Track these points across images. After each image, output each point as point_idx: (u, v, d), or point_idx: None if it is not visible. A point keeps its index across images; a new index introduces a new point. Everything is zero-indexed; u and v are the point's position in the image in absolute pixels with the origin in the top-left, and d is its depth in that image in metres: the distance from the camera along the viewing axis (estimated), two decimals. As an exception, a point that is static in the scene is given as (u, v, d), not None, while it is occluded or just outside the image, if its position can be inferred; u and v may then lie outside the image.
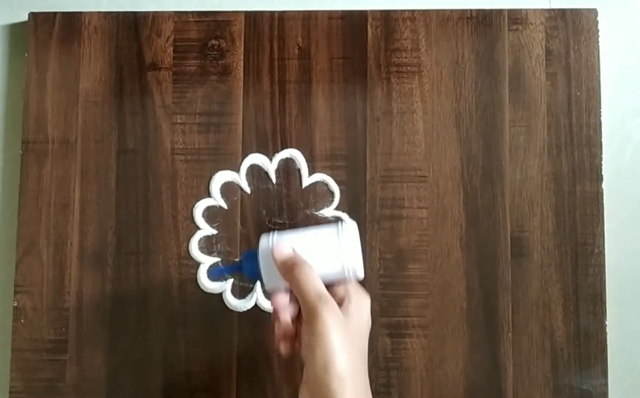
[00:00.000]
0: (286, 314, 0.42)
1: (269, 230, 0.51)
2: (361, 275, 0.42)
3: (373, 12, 0.53)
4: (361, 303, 0.41)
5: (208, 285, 0.51)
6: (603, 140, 0.51)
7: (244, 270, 0.44)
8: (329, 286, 0.41)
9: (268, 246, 0.42)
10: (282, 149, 0.52)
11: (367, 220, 0.51)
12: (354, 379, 0.38)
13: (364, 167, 0.52)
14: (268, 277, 0.42)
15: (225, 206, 0.52)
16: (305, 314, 0.39)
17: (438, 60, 0.52)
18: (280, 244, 0.42)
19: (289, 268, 0.41)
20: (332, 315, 0.38)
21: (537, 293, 0.50)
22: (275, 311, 0.42)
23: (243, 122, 0.52)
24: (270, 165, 0.52)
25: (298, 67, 0.53)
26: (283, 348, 0.42)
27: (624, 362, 0.52)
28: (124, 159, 0.52)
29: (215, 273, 0.50)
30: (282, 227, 0.51)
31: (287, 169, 0.52)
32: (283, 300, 0.42)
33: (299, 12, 0.53)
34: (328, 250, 0.41)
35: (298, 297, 0.40)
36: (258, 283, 0.51)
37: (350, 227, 0.42)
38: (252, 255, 0.43)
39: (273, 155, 0.52)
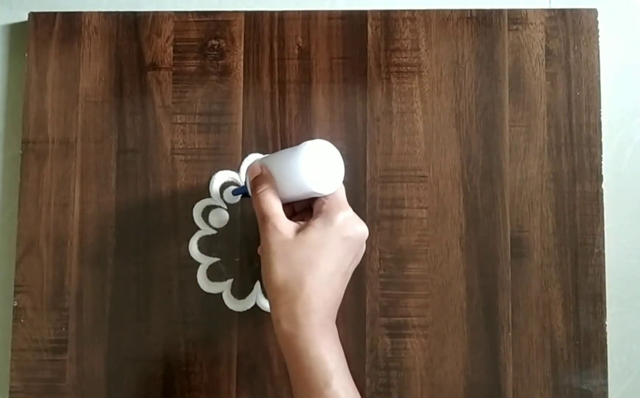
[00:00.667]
0: None
1: (269, 230, 0.51)
2: (327, 191, 0.42)
3: (373, 12, 0.53)
4: (330, 217, 0.41)
5: (208, 285, 0.51)
6: (603, 140, 0.51)
7: (245, 190, 0.47)
8: (307, 202, 0.44)
9: (246, 167, 0.46)
10: (282, 149, 0.52)
11: (367, 220, 0.51)
12: (289, 291, 0.40)
13: (364, 167, 0.52)
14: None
15: (225, 206, 0.52)
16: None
17: (438, 60, 0.52)
18: (252, 164, 0.45)
19: (252, 189, 0.44)
20: (271, 233, 0.41)
21: (537, 293, 0.50)
22: None
23: (243, 122, 0.52)
24: (270, 165, 0.52)
25: (298, 67, 0.53)
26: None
27: (624, 362, 0.52)
28: (124, 159, 0.52)
29: (236, 192, 0.50)
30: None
31: (287, 168, 0.52)
32: None
33: (299, 12, 0.53)
34: (292, 168, 0.42)
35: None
36: (257, 283, 0.51)
37: (314, 145, 0.42)
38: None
39: (273, 155, 0.52)
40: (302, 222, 0.42)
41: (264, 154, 0.52)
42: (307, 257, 0.40)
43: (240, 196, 0.51)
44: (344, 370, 0.40)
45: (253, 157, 0.47)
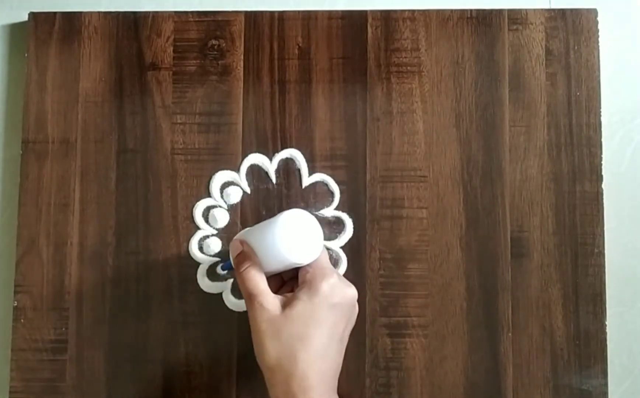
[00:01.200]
0: None
1: (269, 230, 0.51)
2: (305, 261, 0.42)
3: (373, 12, 0.53)
4: (314, 287, 0.40)
5: (208, 285, 0.51)
6: (603, 140, 0.51)
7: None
8: (295, 271, 0.43)
9: (230, 244, 0.46)
10: (282, 149, 0.52)
11: (367, 220, 0.51)
12: (283, 369, 0.39)
13: (364, 167, 0.52)
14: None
15: (225, 206, 0.52)
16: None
17: (438, 60, 0.52)
18: (233, 241, 0.45)
19: (236, 267, 0.43)
20: (258, 311, 0.40)
21: (537, 293, 0.50)
22: None
23: (243, 122, 0.52)
24: (270, 165, 0.52)
25: (298, 67, 0.53)
26: None
27: (624, 362, 0.52)
28: (124, 159, 0.52)
29: (225, 267, 0.50)
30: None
31: (287, 169, 0.52)
32: None
33: (299, 12, 0.53)
34: (270, 242, 0.42)
35: None
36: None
37: (290, 215, 0.42)
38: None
39: (273, 155, 0.52)
40: (288, 294, 0.42)
41: (264, 154, 0.52)
42: (297, 332, 0.39)
43: (228, 271, 0.50)
44: None
45: (240, 232, 0.47)
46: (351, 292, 0.42)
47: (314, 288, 0.41)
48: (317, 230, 0.43)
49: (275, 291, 0.44)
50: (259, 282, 0.42)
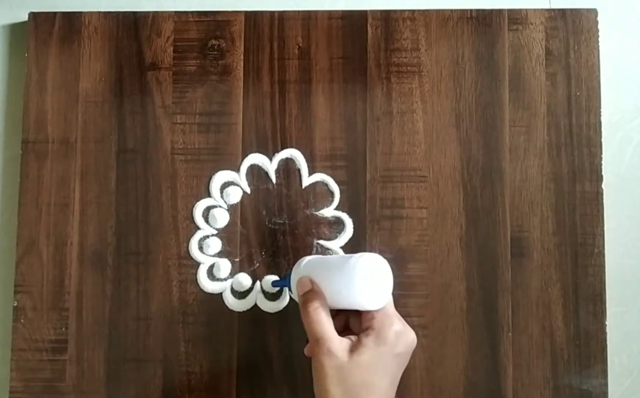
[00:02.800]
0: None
1: (269, 230, 0.51)
2: (376, 307, 0.41)
3: (373, 12, 0.53)
4: (382, 335, 0.41)
5: (208, 285, 0.51)
6: (603, 140, 0.51)
7: (288, 287, 0.47)
8: (359, 312, 0.42)
9: (295, 274, 0.45)
10: (282, 149, 0.52)
11: (367, 220, 0.51)
12: None
13: (364, 167, 0.52)
14: (297, 299, 0.45)
15: (225, 206, 0.52)
16: (311, 349, 0.42)
17: (438, 60, 0.52)
18: (301, 278, 0.44)
19: (302, 306, 0.43)
20: (326, 357, 0.40)
21: (537, 293, 0.50)
22: None
23: (243, 122, 0.52)
24: (270, 165, 0.52)
25: (298, 67, 0.53)
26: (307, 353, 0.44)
27: (624, 362, 0.52)
28: (124, 159, 0.52)
29: (276, 284, 0.50)
30: (282, 227, 0.51)
31: (287, 169, 0.52)
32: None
33: (299, 12, 0.53)
34: (341, 283, 0.42)
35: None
36: (257, 283, 0.51)
37: (366, 259, 0.41)
38: (289, 276, 0.47)
39: (273, 155, 0.52)
40: (352, 338, 0.41)
41: (264, 154, 0.52)
42: (362, 380, 0.40)
43: (279, 288, 0.51)
44: None
45: (303, 262, 0.46)
46: (412, 337, 0.42)
47: (381, 337, 0.41)
48: (390, 275, 0.42)
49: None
50: (328, 327, 0.41)
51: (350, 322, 0.44)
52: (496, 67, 0.52)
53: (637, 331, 0.52)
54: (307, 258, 0.47)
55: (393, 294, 0.51)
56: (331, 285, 0.42)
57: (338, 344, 0.41)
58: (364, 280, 0.41)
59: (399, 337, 0.41)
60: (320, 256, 0.48)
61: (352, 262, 0.41)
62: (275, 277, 0.51)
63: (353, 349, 0.40)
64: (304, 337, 0.50)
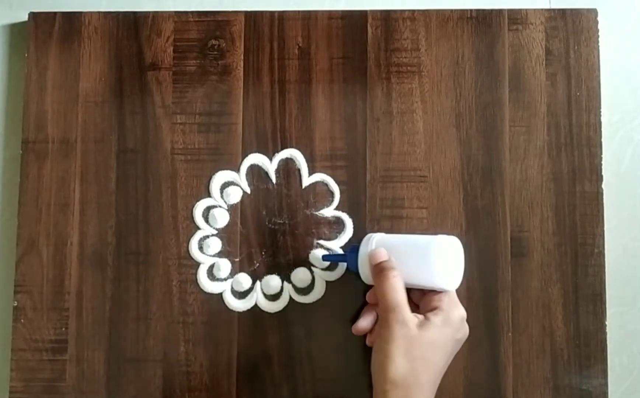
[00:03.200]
0: (368, 318, 0.47)
1: (269, 230, 0.51)
2: (453, 288, 0.44)
3: (373, 12, 0.53)
4: (450, 317, 0.43)
5: (208, 285, 0.51)
6: (603, 140, 0.51)
7: (348, 262, 0.48)
8: (424, 292, 0.45)
9: (367, 247, 0.46)
10: (282, 149, 0.52)
11: (367, 220, 0.51)
12: (406, 386, 0.41)
13: (364, 167, 0.52)
14: (365, 274, 0.47)
15: (225, 206, 0.52)
16: (380, 318, 0.44)
17: (438, 60, 0.52)
18: (377, 248, 0.45)
19: (378, 273, 0.44)
20: (399, 325, 0.42)
21: (537, 293, 0.50)
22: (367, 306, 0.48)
23: (243, 122, 0.52)
24: (270, 165, 0.52)
25: (298, 67, 0.53)
26: (356, 331, 0.48)
27: (624, 362, 0.52)
28: (124, 159, 0.52)
29: (326, 258, 0.50)
30: (282, 227, 0.51)
31: (287, 169, 0.52)
32: (374, 298, 0.46)
33: (299, 12, 0.53)
34: (420, 259, 0.44)
35: (379, 301, 0.44)
36: (257, 283, 0.51)
37: (447, 241, 0.44)
38: (354, 250, 0.48)
39: (273, 155, 0.52)
40: (419, 315, 0.43)
41: (264, 154, 0.52)
42: (424, 355, 0.42)
43: (326, 260, 0.51)
44: None
45: (375, 237, 0.47)
46: (468, 330, 0.45)
47: (449, 319, 0.43)
48: (463, 258, 0.45)
49: None
50: (403, 296, 0.43)
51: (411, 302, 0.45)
52: (496, 67, 0.52)
53: (637, 331, 0.52)
54: (377, 235, 0.48)
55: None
56: (408, 262, 0.44)
57: (411, 316, 0.42)
58: (445, 260, 0.43)
59: (463, 323, 0.44)
60: (392, 234, 0.49)
61: (436, 242, 0.44)
62: (276, 277, 0.51)
63: (422, 325, 0.42)
64: (304, 337, 0.50)
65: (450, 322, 0.43)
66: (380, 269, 0.44)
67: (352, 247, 0.48)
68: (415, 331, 0.42)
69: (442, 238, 0.44)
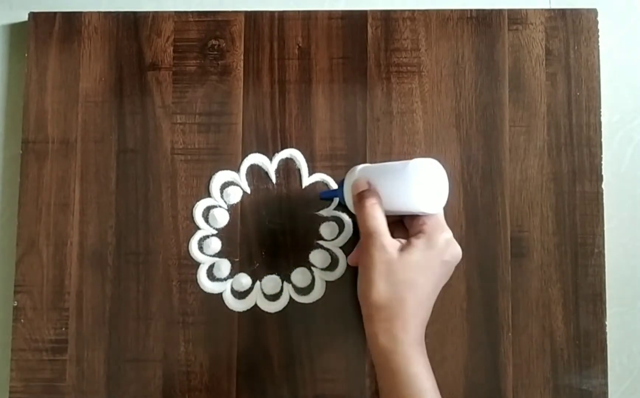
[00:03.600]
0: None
1: (269, 230, 0.51)
2: (433, 211, 0.43)
3: (373, 12, 0.53)
4: (433, 239, 0.42)
5: (208, 285, 0.51)
6: (603, 140, 0.51)
7: (339, 196, 0.48)
8: (412, 218, 0.44)
9: (351, 178, 0.46)
10: (282, 149, 0.52)
11: (367, 220, 0.51)
12: (388, 309, 0.41)
13: (364, 167, 0.52)
14: (350, 205, 0.46)
15: (225, 206, 0.52)
16: (361, 246, 0.44)
17: (438, 60, 0.52)
18: (358, 179, 0.45)
19: (357, 202, 0.44)
20: (377, 250, 0.41)
21: (537, 293, 0.50)
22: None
23: (243, 122, 0.52)
24: (270, 165, 0.52)
25: (298, 67, 0.53)
26: (350, 262, 0.49)
27: (624, 362, 0.52)
28: (124, 159, 0.52)
29: (325, 195, 0.51)
30: (282, 227, 0.51)
31: (287, 169, 0.52)
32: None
33: (299, 12, 0.53)
34: (399, 184, 0.43)
35: (359, 229, 0.44)
36: (257, 283, 0.51)
37: (424, 163, 0.43)
38: (342, 184, 0.48)
39: (273, 155, 0.52)
40: (402, 240, 0.43)
41: (264, 154, 0.52)
42: (409, 278, 0.41)
43: (325, 199, 0.51)
44: (435, 389, 0.41)
45: (358, 167, 0.47)
46: (459, 251, 0.44)
47: (432, 241, 0.42)
48: (445, 181, 0.44)
49: None
50: (382, 222, 0.43)
51: (396, 232, 0.45)
52: (496, 67, 0.52)
53: (637, 331, 0.52)
54: (361, 165, 0.47)
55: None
56: (388, 188, 0.43)
57: (390, 240, 0.42)
58: (422, 183, 0.42)
59: (448, 244, 0.43)
60: (375, 163, 0.48)
61: (411, 164, 0.42)
62: (276, 277, 0.51)
63: (403, 249, 0.42)
64: (304, 337, 0.50)
65: (433, 244, 0.42)
66: (359, 199, 0.44)
67: (341, 181, 0.48)
68: (395, 255, 0.41)
69: (417, 161, 0.43)
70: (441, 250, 0.42)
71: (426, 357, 0.42)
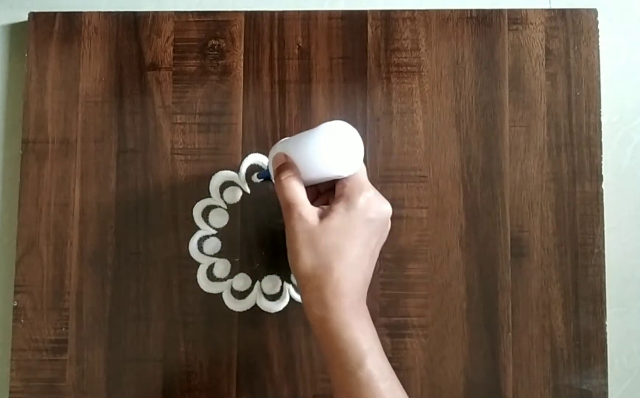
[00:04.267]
0: None
1: (269, 230, 0.51)
2: (347, 172, 0.42)
3: (373, 12, 0.53)
4: (352, 201, 0.41)
5: (207, 285, 0.51)
6: (603, 140, 0.51)
7: (268, 175, 0.47)
8: (331, 183, 0.43)
9: (272, 155, 0.45)
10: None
11: (367, 220, 0.51)
12: (317, 277, 0.40)
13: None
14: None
15: (225, 206, 0.52)
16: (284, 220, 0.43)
17: (438, 60, 0.52)
18: (276, 153, 0.45)
19: (276, 176, 0.43)
20: (296, 221, 0.41)
21: (537, 293, 0.50)
22: None
23: (243, 122, 0.52)
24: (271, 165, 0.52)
25: (298, 67, 0.53)
26: None
27: (624, 362, 0.52)
28: (124, 159, 0.52)
29: (261, 176, 0.50)
30: (282, 227, 0.51)
31: (287, 168, 0.52)
32: None
33: (299, 12, 0.53)
34: (311, 152, 0.42)
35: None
36: (257, 283, 0.51)
37: (332, 126, 0.42)
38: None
39: (273, 155, 0.52)
40: (325, 207, 0.42)
41: (264, 154, 0.52)
42: (333, 243, 0.40)
43: (263, 180, 0.50)
44: (378, 350, 0.40)
45: (278, 143, 0.46)
46: (386, 207, 0.43)
47: (351, 202, 0.41)
48: (359, 142, 0.43)
49: (312, 202, 0.44)
50: (298, 193, 0.42)
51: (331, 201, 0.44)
52: (496, 67, 0.52)
53: (637, 331, 0.52)
54: (281, 140, 0.47)
55: (393, 294, 0.51)
56: (303, 157, 0.43)
57: (309, 209, 0.42)
58: (333, 145, 0.42)
59: (370, 203, 0.42)
60: (291, 136, 0.47)
61: (319, 129, 0.42)
62: (276, 277, 0.51)
63: (323, 215, 0.41)
64: (304, 337, 0.50)
65: (353, 205, 0.41)
66: (277, 173, 0.43)
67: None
68: (315, 223, 0.41)
69: (325, 124, 0.42)
70: (362, 210, 0.41)
71: (367, 320, 0.41)
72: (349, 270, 0.41)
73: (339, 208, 0.41)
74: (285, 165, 0.43)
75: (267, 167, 0.47)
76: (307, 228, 0.41)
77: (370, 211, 0.42)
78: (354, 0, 0.54)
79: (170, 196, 0.52)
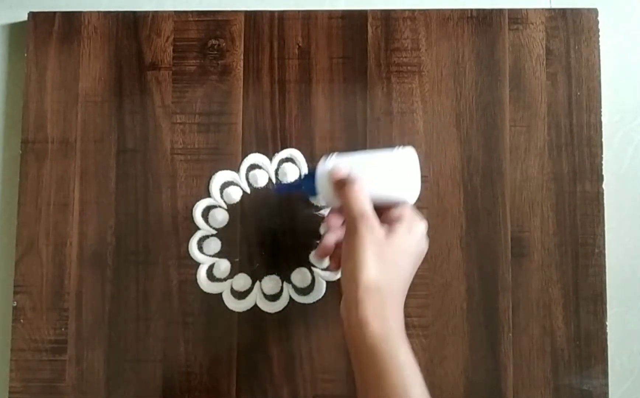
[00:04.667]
0: (331, 236, 0.45)
1: (269, 230, 0.51)
2: (413, 199, 0.44)
3: (373, 11, 0.53)
4: (413, 226, 0.43)
5: (208, 285, 0.51)
6: (603, 140, 0.51)
7: (304, 188, 0.47)
8: (385, 207, 0.44)
9: (325, 166, 0.45)
10: (282, 149, 0.52)
11: (367, 220, 0.51)
12: (380, 291, 0.40)
13: (364, 167, 0.51)
14: (325, 194, 0.45)
15: (225, 206, 0.52)
16: (347, 229, 0.43)
17: (438, 60, 0.52)
18: (338, 165, 0.45)
19: (342, 186, 0.43)
20: (368, 231, 0.41)
21: (537, 293, 0.50)
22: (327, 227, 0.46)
23: (243, 122, 0.52)
24: (270, 165, 0.52)
25: (298, 66, 0.53)
26: (316, 260, 0.50)
27: (624, 362, 0.52)
28: (124, 159, 0.52)
29: (280, 189, 0.50)
30: (282, 227, 0.51)
31: (287, 168, 0.52)
32: (335, 220, 0.46)
33: (299, 11, 0.53)
34: (382, 173, 0.44)
35: (345, 212, 0.43)
36: (257, 283, 0.51)
37: (406, 153, 0.44)
38: (311, 175, 0.46)
39: (273, 155, 0.52)
40: (385, 225, 0.43)
41: (264, 154, 0.52)
42: (397, 261, 0.41)
43: (279, 191, 0.51)
44: (422, 377, 0.40)
45: (333, 156, 0.46)
46: (427, 245, 0.45)
47: (412, 229, 0.43)
48: (419, 169, 0.44)
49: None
50: (370, 206, 0.43)
51: None
52: (496, 66, 0.52)
53: (637, 331, 0.52)
54: (334, 155, 0.47)
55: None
56: (368, 177, 0.44)
57: (378, 223, 0.42)
58: (406, 172, 0.44)
59: (424, 235, 0.44)
60: (348, 153, 0.47)
61: (395, 153, 0.44)
62: (276, 277, 0.51)
63: (388, 233, 0.42)
64: (304, 337, 0.50)
65: (414, 232, 0.43)
66: (343, 183, 0.43)
67: (306, 174, 0.49)
68: (383, 238, 0.41)
69: (400, 150, 0.44)
70: (419, 239, 0.43)
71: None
72: (403, 291, 0.42)
73: (402, 230, 0.42)
74: (352, 176, 0.44)
75: (306, 179, 0.47)
76: (376, 240, 0.41)
77: (423, 243, 0.44)
78: (354, 0, 0.54)
79: (170, 196, 0.52)
